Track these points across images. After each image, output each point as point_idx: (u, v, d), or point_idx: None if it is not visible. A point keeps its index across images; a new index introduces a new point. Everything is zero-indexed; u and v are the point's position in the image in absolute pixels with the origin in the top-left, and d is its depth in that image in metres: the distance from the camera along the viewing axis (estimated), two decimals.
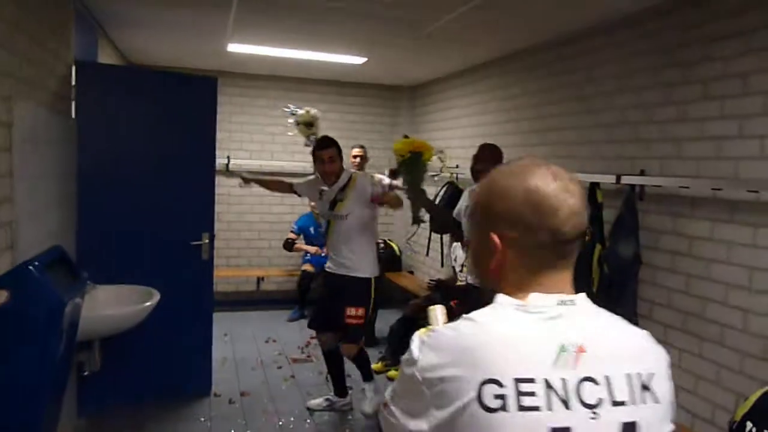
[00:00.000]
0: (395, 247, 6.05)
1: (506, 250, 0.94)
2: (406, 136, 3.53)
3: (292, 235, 5.78)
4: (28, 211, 2.46)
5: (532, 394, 0.84)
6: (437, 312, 1.58)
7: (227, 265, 6.04)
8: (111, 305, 2.99)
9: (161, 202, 3.53)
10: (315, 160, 3.48)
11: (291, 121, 4.12)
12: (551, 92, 3.99)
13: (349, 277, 3.46)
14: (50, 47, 2.84)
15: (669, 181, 2.94)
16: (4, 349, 1.90)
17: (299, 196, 3.87)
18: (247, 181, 3.86)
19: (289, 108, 4.16)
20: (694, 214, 2.88)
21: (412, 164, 3.29)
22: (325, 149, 3.44)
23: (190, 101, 3.63)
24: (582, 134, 3.69)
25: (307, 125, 4.07)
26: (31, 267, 1.91)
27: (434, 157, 3.44)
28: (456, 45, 4.25)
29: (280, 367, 4.41)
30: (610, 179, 3.23)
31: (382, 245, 5.85)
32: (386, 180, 3.52)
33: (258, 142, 6.16)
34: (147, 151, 3.53)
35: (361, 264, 3.47)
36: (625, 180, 3.15)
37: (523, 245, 0.94)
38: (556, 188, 0.92)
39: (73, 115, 3.28)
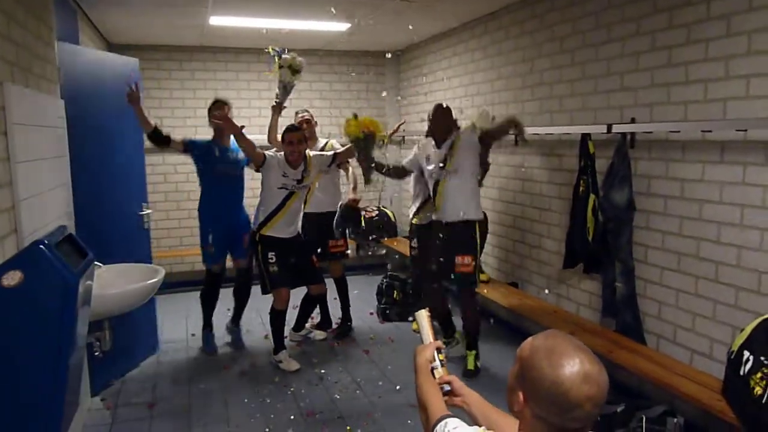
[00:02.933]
0: (390, 215, 6.10)
1: (526, 407, 1.13)
2: (355, 116, 3.67)
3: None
4: (29, 193, 2.49)
5: None
6: (423, 318, 1.70)
7: None
8: (117, 284, 3.03)
9: (111, 178, 3.71)
10: (284, 143, 3.80)
11: (276, 62, 4.08)
12: (541, 46, 4.01)
13: None
14: (31, 29, 2.82)
15: (659, 127, 3.00)
16: (20, 331, 1.93)
17: (259, 168, 3.86)
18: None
19: (276, 50, 4.10)
20: (685, 158, 2.95)
21: (365, 142, 3.63)
22: (293, 131, 3.79)
23: (117, 78, 3.75)
24: (571, 87, 3.73)
25: (294, 71, 4.06)
26: (42, 246, 1.94)
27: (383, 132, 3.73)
28: (443, 3, 4.23)
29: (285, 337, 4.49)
30: (601, 129, 3.29)
31: (376, 212, 5.91)
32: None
33: (245, 117, 6.13)
34: (100, 129, 3.66)
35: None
36: (616, 129, 3.20)
37: (538, 415, 1.11)
38: (581, 383, 1.07)
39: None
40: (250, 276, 4.36)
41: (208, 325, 4.40)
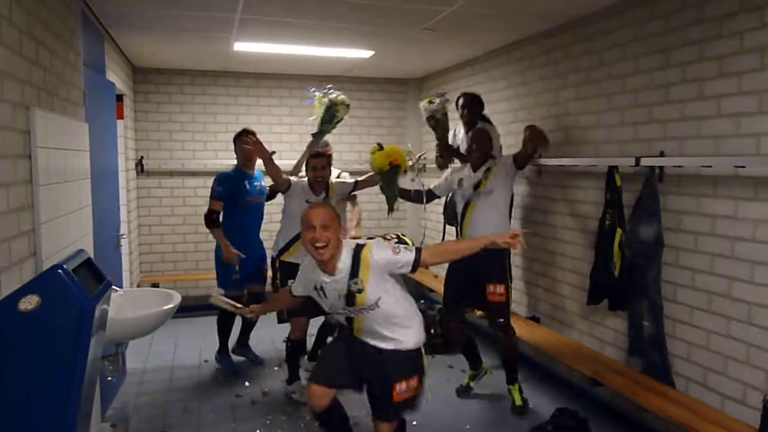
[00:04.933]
0: (409, 242, 6.05)
1: None
2: (379, 146, 3.65)
3: None
4: (50, 216, 2.50)
5: None
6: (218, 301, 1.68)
7: None
8: (132, 309, 3.03)
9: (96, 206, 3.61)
10: (307, 168, 3.84)
11: (326, 100, 4.14)
12: (565, 77, 4.00)
13: None
14: (59, 53, 2.88)
15: (690, 161, 2.95)
16: (35, 356, 1.93)
17: (283, 192, 3.91)
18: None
19: (324, 89, 4.19)
20: (716, 194, 2.89)
21: (390, 174, 3.60)
22: (318, 158, 3.82)
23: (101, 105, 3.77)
24: (597, 118, 3.70)
25: (347, 105, 4.20)
26: (60, 271, 1.94)
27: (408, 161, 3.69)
28: (467, 32, 4.25)
29: (299, 367, 4.45)
30: (629, 162, 3.24)
31: (395, 240, 5.87)
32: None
33: (265, 142, 6.18)
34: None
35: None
36: (645, 162, 3.16)
37: None
38: None
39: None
40: (263, 300, 4.35)
41: (224, 348, 4.47)
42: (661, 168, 3.13)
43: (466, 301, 3.78)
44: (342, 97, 4.19)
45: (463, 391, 3.97)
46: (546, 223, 4.26)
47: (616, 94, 3.53)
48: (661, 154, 3.14)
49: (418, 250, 2.58)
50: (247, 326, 4.50)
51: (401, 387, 2.58)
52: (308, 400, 2.79)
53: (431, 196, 3.94)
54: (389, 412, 2.63)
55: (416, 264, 2.54)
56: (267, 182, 4.35)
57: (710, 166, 2.86)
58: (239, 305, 3.11)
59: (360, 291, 2.51)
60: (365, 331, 2.64)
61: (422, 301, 4.97)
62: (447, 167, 4.03)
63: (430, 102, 4.06)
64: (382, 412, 2.64)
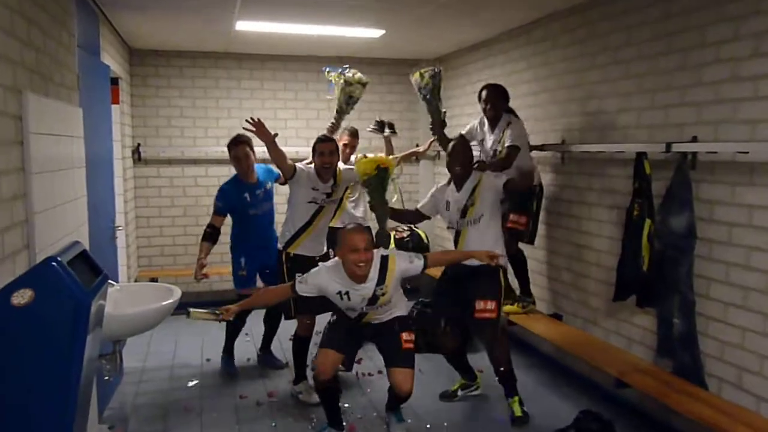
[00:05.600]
0: (422, 235, 6.07)
1: None
2: (365, 156, 3.79)
3: None
4: (44, 206, 2.53)
5: None
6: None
7: None
8: (130, 304, 3.07)
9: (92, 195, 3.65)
10: (314, 155, 3.82)
11: (340, 82, 4.18)
12: (591, 57, 3.97)
13: None
14: (53, 34, 2.90)
15: (725, 147, 2.93)
16: (30, 352, 1.96)
17: (288, 179, 3.89)
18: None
19: (340, 68, 4.22)
20: (753, 182, 2.87)
21: (377, 180, 3.62)
22: (326, 142, 3.79)
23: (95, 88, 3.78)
24: (625, 101, 3.67)
25: (363, 84, 4.23)
26: (54, 263, 1.97)
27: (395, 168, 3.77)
28: (485, 9, 4.22)
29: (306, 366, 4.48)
30: (659, 148, 3.22)
31: (407, 232, 5.88)
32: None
33: (270, 128, 6.20)
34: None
35: None
36: (676, 148, 3.14)
37: None
38: None
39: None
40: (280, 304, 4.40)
41: (228, 351, 4.51)
42: (694, 154, 3.11)
43: (455, 311, 3.70)
44: (358, 75, 4.19)
45: (447, 397, 3.96)
46: (569, 214, 4.24)
47: (645, 75, 3.50)
48: (694, 140, 3.12)
49: (425, 258, 3.31)
50: (234, 330, 4.50)
51: (407, 336, 3.32)
52: (318, 365, 3.32)
53: (419, 216, 3.91)
54: (402, 358, 3.30)
55: (423, 270, 3.29)
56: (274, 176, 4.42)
57: (746, 152, 2.84)
58: (217, 311, 3.16)
59: (384, 294, 3.20)
60: (371, 319, 3.35)
61: (418, 304, 4.94)
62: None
63: (421, 75, 3.99)
64: (395, 359, 3.31)
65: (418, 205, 3.94)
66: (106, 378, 3.24)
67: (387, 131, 4.72)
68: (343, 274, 3.16)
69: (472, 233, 3.61)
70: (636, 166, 3.34)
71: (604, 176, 3.87)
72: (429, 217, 3.94)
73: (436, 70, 3.99)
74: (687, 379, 3.16)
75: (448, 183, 3.75)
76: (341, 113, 4.29)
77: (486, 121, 4.16)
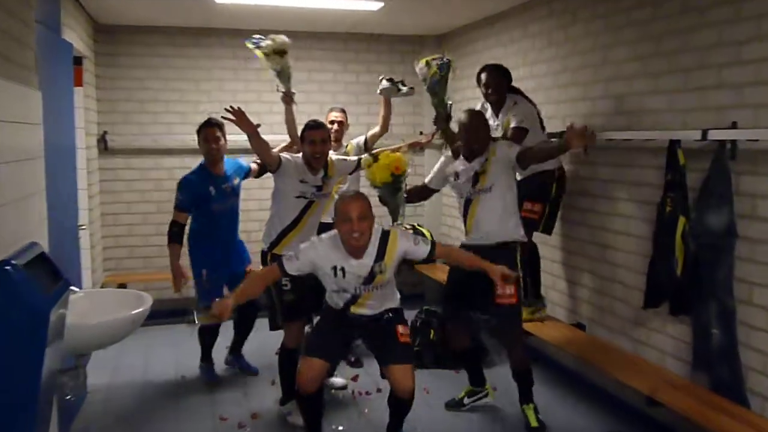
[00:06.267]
0: (427, 234, 6.06)
1: None
2: (373, 157, 3.80)
3: None
4: None
5: None
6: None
7: None
8: (95, 313, 3.07)
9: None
10: (304, 142, 3.82)
11: (258, 53, 4.18)
12: (618, 32, 3.96)
13: None
14: (6, 5, 2.89)
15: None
16: None
17: (272, 172, 3.92)
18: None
19: (253, 40, 4.20)
20: None
21: (393, 186, 3.74)
22: (317, 129, 3.79)
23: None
24: (656, 82, 3.67)
25: (280, 53, 4.15)
26: (8, 267, 1.97)
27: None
28: None
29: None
30: (694, 135, 3.22)
31: (410, 231, 5.88)
32: None
33: (254, 113, 6.16)
34: None
35: None
36: (713, 135, 3.13)
37: None
38: None
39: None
40: (255, 307, 4.45)
41: (207, 359, 4.63)
42: (734, 142, 3.11)
43: (466, 303, 3.82)
44: (278, 39, 4.13)
45: (453, 405, 4.04)
46: (593, 210, 4.24)
47: (678, 52, 3.50)
48: (734, 126, 3.12)
49: (433, 245, 3.34)
50: (240, 338, 4.66)
51: (403, 329, 3.36)
52: (301, 376, 3.35)
53: (427, 192, 4.07)
54: (399, 353, 3.31)
55: (429, 257, 3.34)
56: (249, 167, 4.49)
57: None
58: (214, 312, 3.18)
59: (382, 272, 3.23)
60: (363, 305, 3.35)
61: (422, 313, 4.97)
62: (452, 144, 4.06)
63: (428, 64, 4.02)
64: (392, 355, 3.31)
65: (426, 180, 4.05)
66: (68, 397, 3.24)
67: (404, 88, 4.58)
68: (341, 247, 3.20)
69: (484, 202, 3.70)
70: (668, 156, 3.35)
71: (633, 167, 3.87)
72: (437, 190, 4.09)
73: (445, 59, 4.04)
74: (726, 396, 3.16)
75: (455, 156, 3.86)
76: (285, 92, 4.25)
77: (488, 106, 4.22)
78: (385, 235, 3.26)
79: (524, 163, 3.65)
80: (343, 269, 3.21)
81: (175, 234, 4.22)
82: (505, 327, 3.79)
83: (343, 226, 3.13)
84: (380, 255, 3.22)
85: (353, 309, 3.36)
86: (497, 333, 4.02)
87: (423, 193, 4.09)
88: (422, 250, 3.30)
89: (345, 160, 4.11)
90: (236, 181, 4.41)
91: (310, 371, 3.30)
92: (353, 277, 3.24)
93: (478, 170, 3.69)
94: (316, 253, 3.24)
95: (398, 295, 3.52)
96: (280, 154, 3.90)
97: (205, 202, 4.25)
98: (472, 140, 3.69)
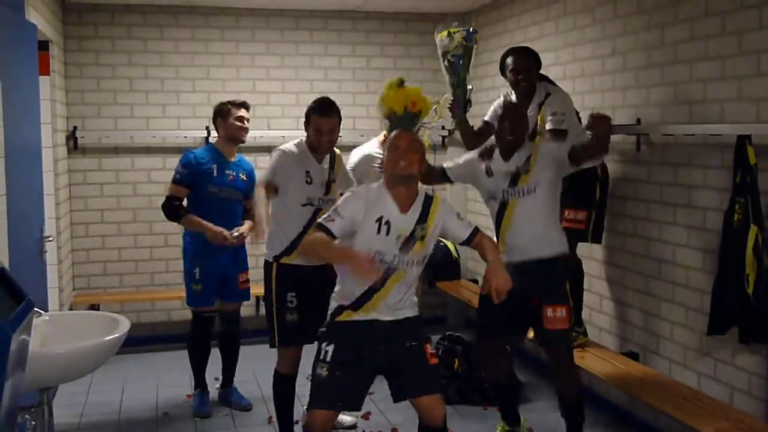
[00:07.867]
0: (451, 248, 6.05)
1: None
2: (402, 81, 3.71)
3: None
4: None
5: None
6: None
7: None
8: (63, 340, 3.07)
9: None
10: (308, 126, 3.88)
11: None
12: (675, 9, 3.95)
13: None
14: None
15: None
16: None
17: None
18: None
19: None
20: None
21: (404, 123, 3.61)
22: (326, 116, 3.82)
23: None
24: (721, 67, 3.65)
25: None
26: None
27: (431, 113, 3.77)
28: None
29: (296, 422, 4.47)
30: (766, 130, 3.19)
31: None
32: None
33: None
34: None
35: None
36: None
37: None
38: None
39: None
40: (237, 327, 4.62)
41: (200, 385, 4.65)
42: None
43: (510, 328, 3.81)
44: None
45: None
46: (647, 218, 4.22)
47: (748, 31, 3.48)
48: None
49: (477, 230, 3.36)
50: (229, 363, 4.71)
51: (430, 348, 3.38)
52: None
53: (440, 177, 4.03)
54: (430, 380, 3.33)
55: (469, 240, 3.35)
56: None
57: None
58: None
59: (422, 238, 3.27)
60: (389, 296, 3.28)
61: (444, 339, 4.95)
62: (474, 146, 4.02)
63: (450, 35, 3.97)
64: (423, 384, 3.29)
65: (446, 165, 4.02)
66: None
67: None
68: (387, 196, 3.29)
69: (524, 206, 3.66)
70: (736, 154, 3.33)
71: (694, 167, 3.85)
72: (451, 181, 4.10)
73: (471, 30, 3.98)
74: None
75: (484, 158, 3.83)
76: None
77: (514, 97, 4.14)
78: (428, 199, 3.35)
79: (579, 160, 3.58)
80: (388, 223, 3.26)
81: (176, 207, 4.35)
82: (554, 354, 3.78)
83: (390, 155, 3.28)
84: (423, 217, 3.29)
85: (373, 302, 3.27)
86: (549, 359, 3.96)
87: (436, 176, 4.01)
88: (464, 227, 3.36)
89: (349, 175, 4.21)
90: (242, 176, 4.51)
91: (321, 424, 3.23)
92: (394, 237, 3.25)
93: (520, 169, 3.66)
94: (366, 197, 3.31)
95: (416, 299, 3.50)
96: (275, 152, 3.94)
97: (204, 180, 4.35)
98: (504, 132, 3.67)
